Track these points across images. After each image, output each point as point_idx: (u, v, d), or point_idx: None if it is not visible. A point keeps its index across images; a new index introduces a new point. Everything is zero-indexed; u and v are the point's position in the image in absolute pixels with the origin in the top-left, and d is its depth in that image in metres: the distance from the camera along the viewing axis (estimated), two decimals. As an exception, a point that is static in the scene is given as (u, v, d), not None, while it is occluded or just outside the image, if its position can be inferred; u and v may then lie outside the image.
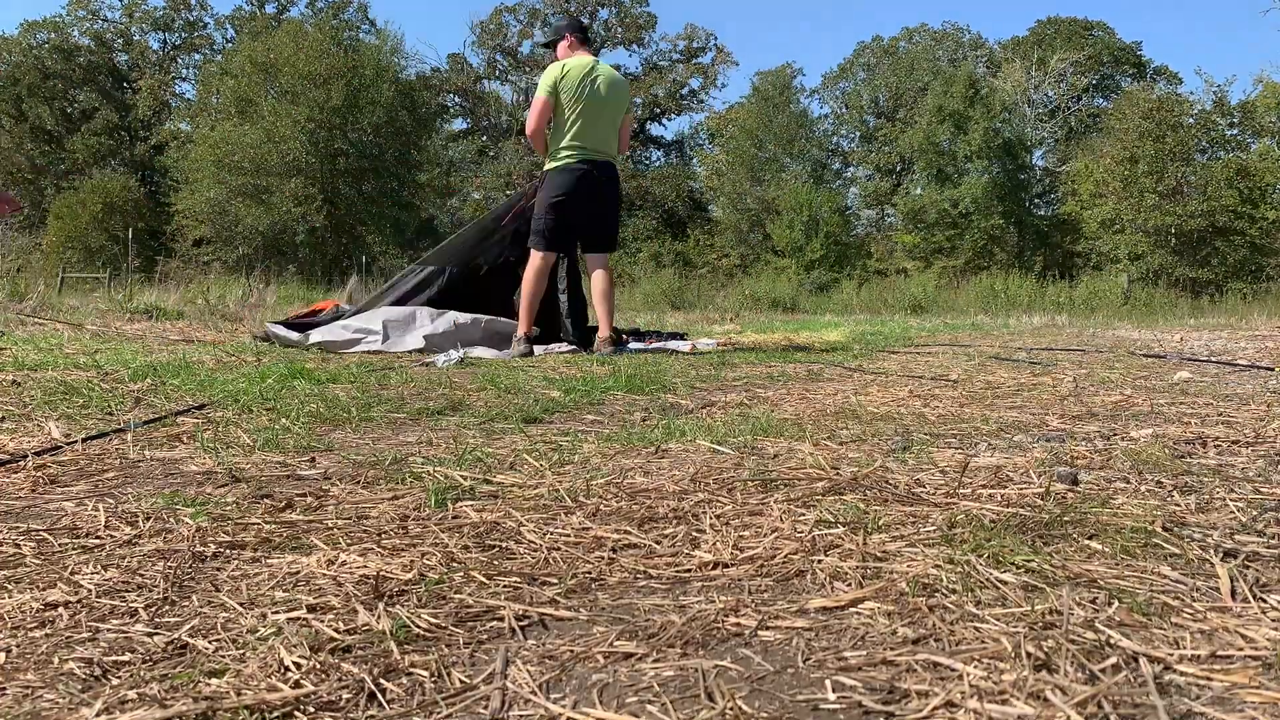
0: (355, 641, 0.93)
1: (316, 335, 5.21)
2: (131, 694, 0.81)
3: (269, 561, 1.20)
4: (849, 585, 1.10)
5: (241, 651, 0.90)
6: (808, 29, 74.22)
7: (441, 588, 1.09)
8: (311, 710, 0.79)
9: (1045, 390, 3.26)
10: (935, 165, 31.32)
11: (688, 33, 42.25)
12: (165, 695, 0.81)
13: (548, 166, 5.33)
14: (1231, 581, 1.08)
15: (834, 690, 0.82)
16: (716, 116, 40.77)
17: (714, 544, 1.26)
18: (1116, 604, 1.01)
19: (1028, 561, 1.15)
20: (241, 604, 1.04)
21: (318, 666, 0.86)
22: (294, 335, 5.23)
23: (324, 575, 1.13)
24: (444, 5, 72.82)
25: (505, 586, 1.10)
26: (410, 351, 5.01)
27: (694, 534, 1.32)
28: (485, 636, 0.96)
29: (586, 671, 0.87)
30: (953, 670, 0.85)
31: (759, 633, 0.96)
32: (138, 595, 1.07)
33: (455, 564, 1.18)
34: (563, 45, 5.46)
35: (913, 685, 0.82)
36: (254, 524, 1.36)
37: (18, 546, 1.25)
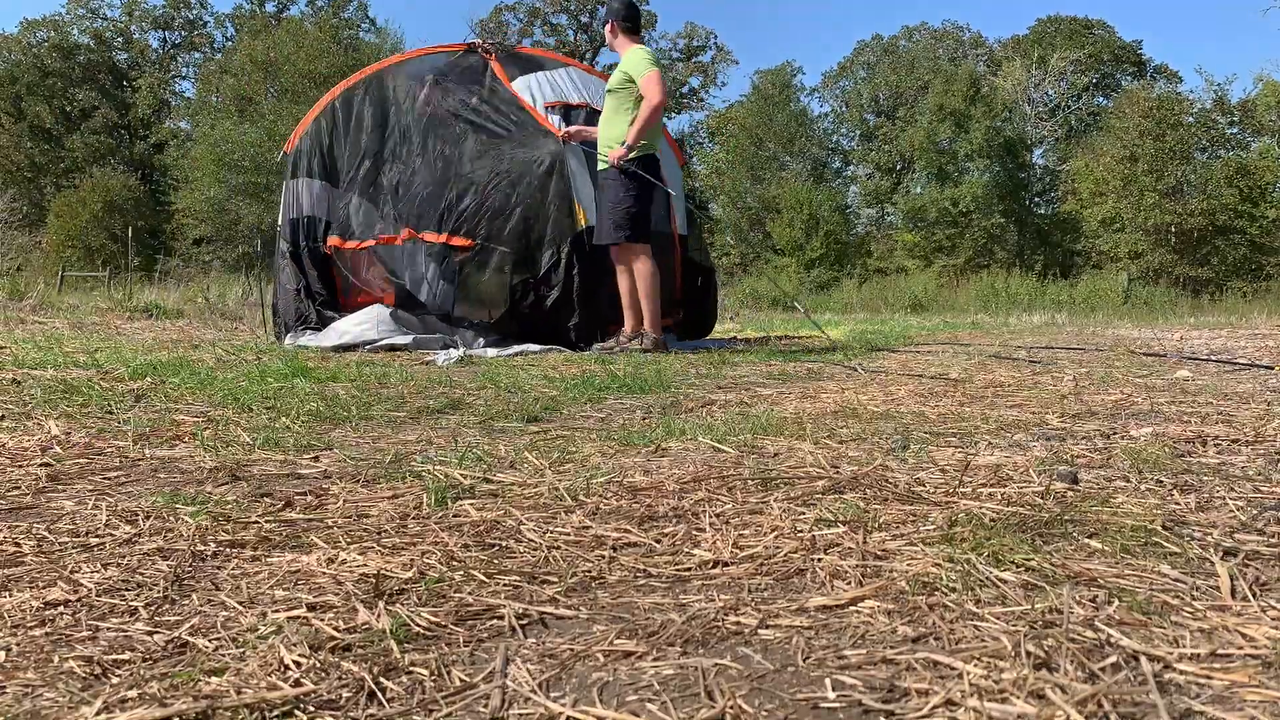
0: (355, 640, 0.93)
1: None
2: (131, 693, 0.81)
3: (269, 560, 1.20)
4: (849, 584, 1.10)
5: (241, 650, 0.90)
6: (808, 28, 74.19)
7: (441, 586, 1.09)
8: (312, 709, 0.79)
9: (1045, 389, 3.26)
10: (936, 164, 31.34)
11: (687, 31, 42.31)
12: (165, 694, 0.81)
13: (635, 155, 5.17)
14: (1231, 580, 1.08)
15: (834, 689, 0.82)
16: (717, 115, 40.77)
17: (714, 542, 1.26)
18: (1116, 603, 1.01)
19: (1028, 560, 1.15)
20: (241, 603, 1.04)
21: (318, 665, 0.86)
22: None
23: (324, 574, 1.13)
24: (444, 4, 72.84)
25: (505, 585, 1.10)
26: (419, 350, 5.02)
27: (694, 533, 1.32)
28: (485, 635, 0.96)
29: (586, 670, 0.87)
30: (953, 669, 0.85)
31: (759, 631, 0.96)
32: (138, 594, 1.07)
33: (455, 562, 1.18)
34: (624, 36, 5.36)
35: (913, 684, 0.82)
36: (254, 523, 1.36)
37: (18, 545, 1.25)
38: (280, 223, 6.26)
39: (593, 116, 5.83)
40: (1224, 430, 2.23)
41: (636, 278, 5.10)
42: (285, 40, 29.31)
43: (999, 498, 1.51)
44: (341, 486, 1.62)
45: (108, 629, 0.96)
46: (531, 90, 5.97)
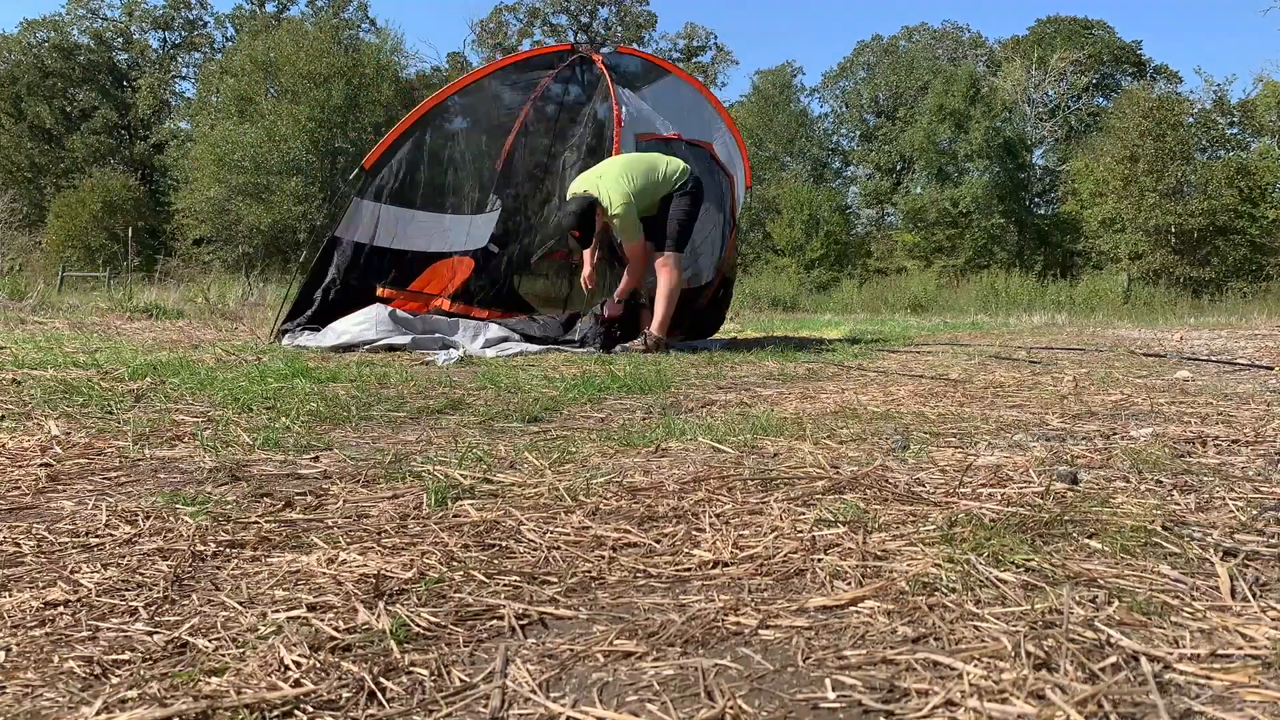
0: (355, 640, 0.93)
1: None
2: (131, 693, 0.81)
3: (269, 560, 1.20)
4: (849, 584, 1.10)
5: (241, 650, 0.90)
6: (808, 28, 74.22)
7: (441, 586, 1.09)
8: (311, 709, 0.79)
9: (1045, 389, 3.25)
10: (936, 164, 31.37)
11: (688, 32, 42.32)
12: (165, 694, 0.81)
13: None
14: (1231, 580, 1.08)
15: (834, 689, 0.82)
16: (716, 115, 40.68)
17: (714, 543, 1.26)
18: (1116, 603, 1.01)
19: (1027, 560, 1.15)
20: (241, 603, 1.04)
21: (318, 665, 0.86)
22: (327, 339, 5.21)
23: (324, 574, 1.13)
24: (444, 4, 72.90)
25: (505, 585, 1.10)
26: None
27: (694, 533, 1.32)
28: (485, 635, 0.96)
29: (586, 670, 0.87)
30: (952, 669, 0.85)
31: (759, 631, 0.96)
32: (138, 594, 1.07)
33: (455, 563, 1.18)
34: None
35: (912, 684, 0.82)
36: (254, 523, 1.36)
37: (18, 545, 1.25)
38: (344, 235, 5.85)
39: (690, 148, 6.09)
40: (1224, 430, 2.23)
41: (662, 282, 5.34)
42: (285, 40, 29.32)
43: (999, 498, 1.51)
44: (341, 487, 1.62)
45: (108, 629, 0.96)
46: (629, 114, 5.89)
